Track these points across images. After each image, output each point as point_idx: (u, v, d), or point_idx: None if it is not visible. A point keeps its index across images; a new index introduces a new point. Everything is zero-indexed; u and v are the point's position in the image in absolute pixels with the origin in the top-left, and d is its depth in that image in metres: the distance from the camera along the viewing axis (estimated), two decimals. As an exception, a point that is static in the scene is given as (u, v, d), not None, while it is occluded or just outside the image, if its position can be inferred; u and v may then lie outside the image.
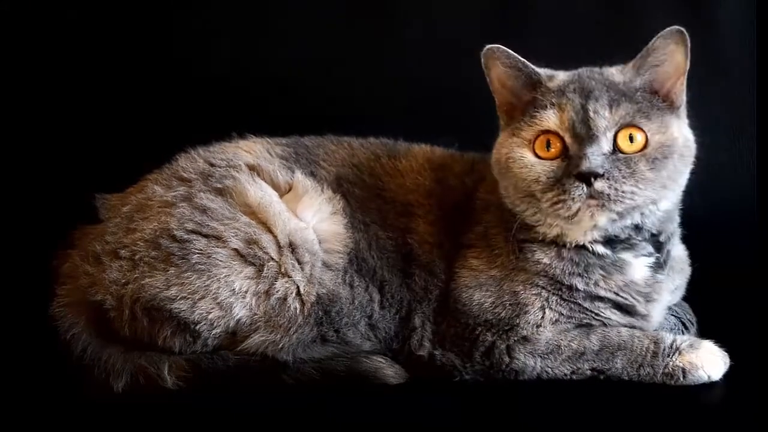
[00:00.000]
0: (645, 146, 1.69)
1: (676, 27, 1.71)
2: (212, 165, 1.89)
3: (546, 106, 1.72)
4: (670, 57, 1.73)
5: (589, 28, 2.52)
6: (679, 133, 1.73)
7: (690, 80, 1.77)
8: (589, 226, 1.74)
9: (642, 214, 1.74)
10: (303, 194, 1.86)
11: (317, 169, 1.93)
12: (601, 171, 1.65)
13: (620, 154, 1.68)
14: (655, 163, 1.69)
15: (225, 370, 1.78)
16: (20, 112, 2.47)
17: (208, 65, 2.52)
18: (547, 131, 1.71)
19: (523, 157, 1.73)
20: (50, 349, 1.83)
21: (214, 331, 1.78)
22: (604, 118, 1.68)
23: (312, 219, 1.84)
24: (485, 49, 1.76)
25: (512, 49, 1.81)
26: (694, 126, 1.81)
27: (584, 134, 1.68)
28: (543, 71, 1.78)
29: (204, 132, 2.01)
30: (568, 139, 1.69)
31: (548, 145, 1.71)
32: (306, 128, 2.07)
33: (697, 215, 1.93)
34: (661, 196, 1.73)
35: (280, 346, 1.79)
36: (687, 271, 1.91)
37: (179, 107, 2.49)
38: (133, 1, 2.51)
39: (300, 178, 1.88)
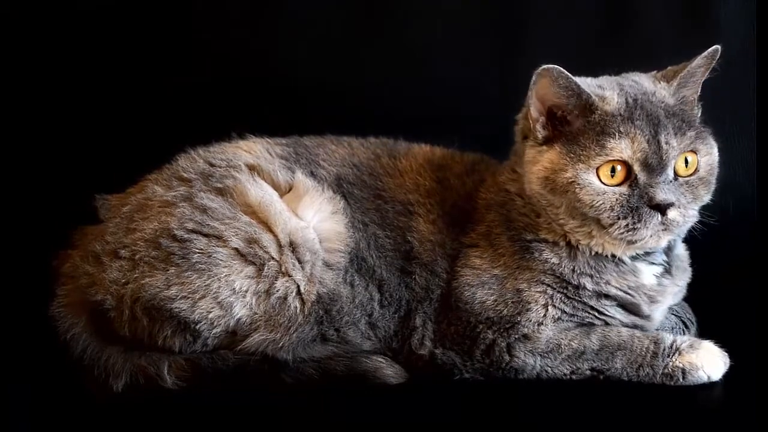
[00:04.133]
0: (697, 168, 1.72)
1: (717, 47, 1.73)
2: (212, 165, 1.89)
3: (615, 135, 1.69)
4: (702, 73, 1.76)
5: (588, 26, 2.52)
6: (715, 147, 1.77)
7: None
8: (650, 247, 1.77)
9: None
10: (304, 194, 1.86)
11: (317, 168, 1.93)
12: (674, 200, 1.68)
13: (680, 179, 1.71)
14: (708, 185, 1.74)
15: (225, 369, 1.78)
16: (20, 112, 2.46)
17: (209, 65, 2.52)
18: (618, 160, 1.70)
19: (591, 184, 1.70)
20: (50, 349, 1.84)
21: (214, 331, 1.78)
22: (673, 148, 1.69)
23: (313, 218, 1.84)
24: (541, 69, 1.70)
25: (512, 46, 1.81)
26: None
27: (655, 164, 1.68)
28: (592, 90, 1.73)
29: (204, 132, 2.01)
30: (636, 168, 1.69)
31: (613, 171, 1.70)
32: (306, 128, 2.07)
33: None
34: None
35: (280, 345, 1.79)
36: (689, 270, 1.91)
37: (179, 107, 2.48)
38: (133, 1, 2.51)
39: (301, 177, 1.88)
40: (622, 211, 1.70)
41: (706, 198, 1.75)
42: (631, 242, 1.73)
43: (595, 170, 1.70)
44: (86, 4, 2.48)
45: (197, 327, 1.77)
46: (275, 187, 1.87)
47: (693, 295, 1.95)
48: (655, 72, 1.81)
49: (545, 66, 1.69)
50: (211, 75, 2.51)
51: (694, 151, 1.72)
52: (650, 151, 1.68)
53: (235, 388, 1.76)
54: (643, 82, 1.77)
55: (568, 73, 1.70)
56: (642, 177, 1.69)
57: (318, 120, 2.11)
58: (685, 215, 1.71)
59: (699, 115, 1.79)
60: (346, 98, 2.48)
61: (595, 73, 1.84)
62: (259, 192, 1.82)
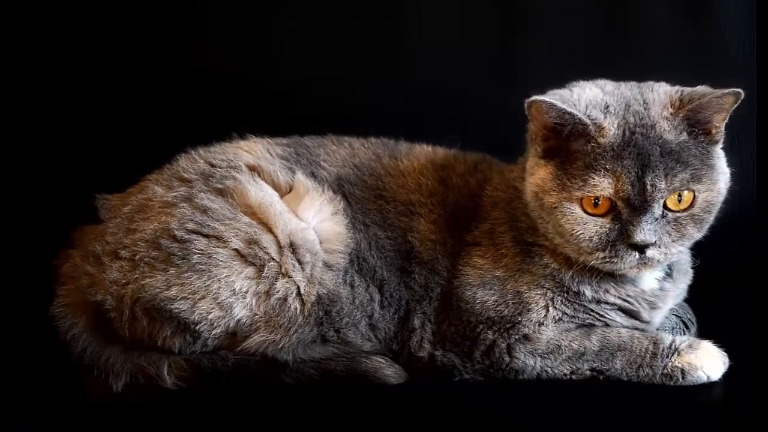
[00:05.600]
0: (692, 204, 1.68)
1: (735, 90, 1.66)
2: (213, 165, 1.89)
3: (600, 171, 1.66)
4: (721, 108, 1.69)
5: (588, 26, 2.51)
6: (723, 179, 1.71)
7: (690, 79, 1.77)
8: (631, 276, 1.77)
9: None
10: (304, 195, 1.86)
11: (318, 169, 1.93)
12: (654, 240, 1.66)
13: (669, 215, 1.68)
14: (701, 223, 1.70)
15: (225, 370, 1.78)
16: (20, 112, 2.46)
17: (209, 65, 2.51)
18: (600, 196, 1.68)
19: (573, 213, 1.70)
20: (50, 349, 1.84)
21: (214, 332, 1.78)
22: (659, 191, 1.65)
23: (313, 219, 1.84)
24: (530, 101, 1.67)
25: (513, 45, 1.78)
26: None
27: (638, 205, 1.65)
28: (592, 116, 1.68)
29: (204, 132, 2.01)
30: (620, 205, 1.67)
31: (596, 201, 1.68)
32: (306, 128, 2.07)
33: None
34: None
35: (280, 346, 1.79)
36: (690, 272, 1.91)
37: (179, 107, 2.48)
38: (133, 1, 2.51)
39: (301, 178, 1.88)
40: (600, 243, 1.69)
41: (697, 235, 1.72)
42: (610, 270, 1.73)
43: (579, 200, 1.69)
44: (86, 4, 2.48)
45: (197, 328, 1.77)
46: (276, 187, 1.87)
47: (693, 296, 1.95)
48: (677, 89, 1.74)
49: (534, 99, 1.67)
50: (211, 75, 2.50)
51: (691, 190, 1.68)
52: (633, 193, 1.65)
53: (235, 388, 1.76)
54: (652, 107, 1.70)
55: (560, 104, 1.66)
56: (625, 213, 1.67)
57: (318, 120, 2.11)
58: (667, 253, 1.69)
59: (720, 141, 1.73)
60: (346, 98, 2.48)
61: (595, 73, 1.83)
62: (260, 193, 1.82)
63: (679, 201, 1.68)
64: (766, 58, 2.36)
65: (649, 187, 1.65)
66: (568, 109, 1.67)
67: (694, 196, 1.68)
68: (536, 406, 1.73)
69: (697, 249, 1.89)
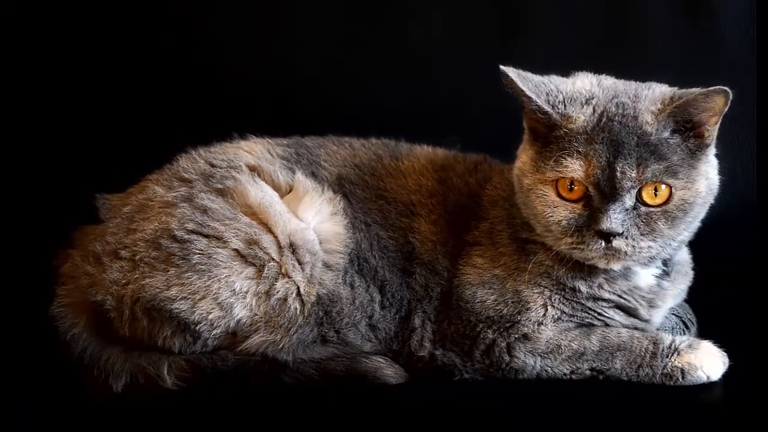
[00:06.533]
0: (668, 200, 1.67)
1: (722, 88, 1.64)
2: (213, 165, 1.89)
3: (572, 154, 1.67)
4: (710, 108, 1.67)
5: (588, 26, 2.52)
6: (704, 183, 1.70)
7: (690, 79, 1.77)
8: (603, 267, 1.75)
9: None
10: (304, 195, 1.86)
11: (318, 169, 1.94)
12: (620, 230, 1.65)
13: (642, 208, 1.67)
14: (674, 221, 1.68)
15: (225, 370, 1.78)
16: (20, 112, 2.46)
17: (209, 65, 2.52)
18: (572, 179, 1.68)
19: (546, 195, 1.71)
20: (50, 349, 1.84)
21: (214, 332, 1.78)
22: (630, 179, 1.65)
23: (312, 219, 1.85)
24: (501, 70, 1.70)
25: (513, 46, 1.77)
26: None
27: (608, 191, 1.65)
28: (559, 107, 1.70)
29: (205, 132, 2.01)
30: (591, 190, 1.67)
31: (571, 185, 1.69)
32: (307, 128, 2.07)
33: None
34: (679, 239, 1.74)
35: (281, 346, 1.79)
36: (690, 274, 1.91)
37: (180, 107, 2.48)
38: (134, 1, 2.51)
39: (301, 178, 1.88)
40: (568, 228, 1.69)
41: (669, 233, 1.69)
42: (579, 258, 1.72)
43: (553, 183, 1.70)
44: (86, 4, 2.48)
45: (197, 328, 1.77)
46: (276, 187, 1.87)
47: (693, 296, 1.95)
48: (673, 90, 1.74)
49: (502, 69, 1.69)
50: (211, 75, 2.51)
51: (667, 184, 1.67)
52: (603, 177, 1.65)
53: (235, 388, 1.76)
54: (641, 100, 1.70)
55: (520, 84, 1.67)
56: (596, 200, 1.67)
57: (318, 120, 2.11)
58: (636, 247, 1.67)
59: (712, 145, 1.72)
60: (346, 98, 2.48)
61: (595, 73, 1.83)
62: (260, 193, 1.82)
63: (656, 195, 1.67)
64: (766, 58, 2.37)
65: (618, 173, 1.65)
66: (527, 92, 1.69)
67: (671, 192, 1.68)
68: (536, 406, 1.73)
69: (697, 248, 1.90)
